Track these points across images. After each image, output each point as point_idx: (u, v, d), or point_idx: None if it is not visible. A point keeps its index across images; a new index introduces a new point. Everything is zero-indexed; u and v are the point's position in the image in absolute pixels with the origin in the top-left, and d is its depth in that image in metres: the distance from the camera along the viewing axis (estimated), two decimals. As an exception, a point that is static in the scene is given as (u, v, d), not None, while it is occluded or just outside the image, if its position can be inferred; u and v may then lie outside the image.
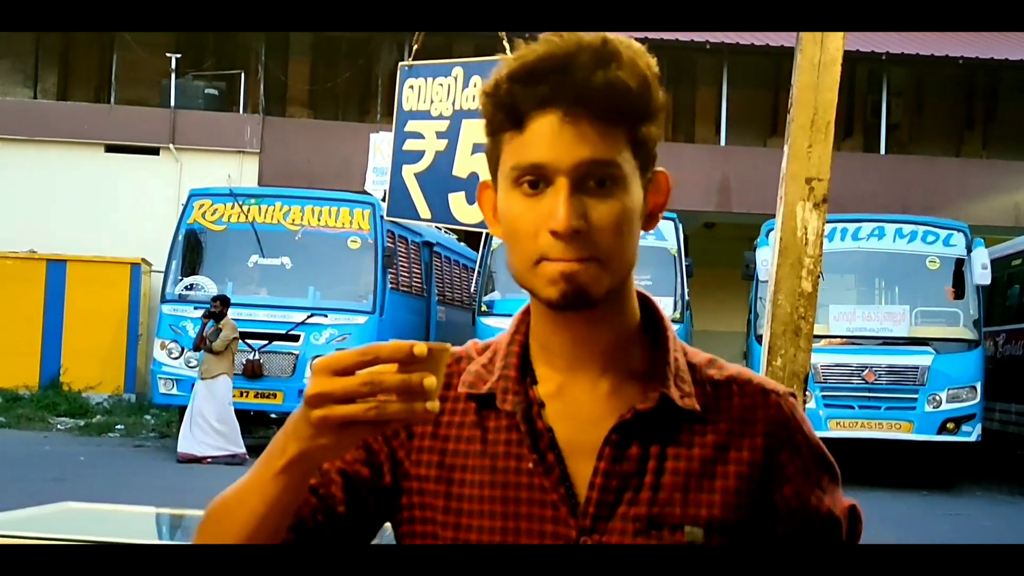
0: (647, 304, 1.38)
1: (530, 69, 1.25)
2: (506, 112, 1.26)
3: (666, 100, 1.31)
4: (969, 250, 14.80)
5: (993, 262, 15.33)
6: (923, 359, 14.41)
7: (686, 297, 15.57)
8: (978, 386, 14.45)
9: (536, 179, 1.25)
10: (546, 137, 1.24)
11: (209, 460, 13.23)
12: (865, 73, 24.79)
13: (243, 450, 13.34)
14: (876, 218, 15.75)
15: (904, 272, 15.18)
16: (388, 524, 1.38)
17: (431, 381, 1.10)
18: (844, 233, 14.94)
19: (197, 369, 13.75)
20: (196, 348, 13.68)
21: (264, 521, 1.21)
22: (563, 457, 1.30)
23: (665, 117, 1.31)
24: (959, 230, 15.10)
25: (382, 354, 1.11)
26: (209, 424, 13.34)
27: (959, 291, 14.81)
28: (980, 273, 14.56)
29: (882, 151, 23.91)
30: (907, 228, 15.21)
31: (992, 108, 27.09)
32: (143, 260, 20.18)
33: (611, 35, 1.29)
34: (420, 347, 1.10)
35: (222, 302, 13.71)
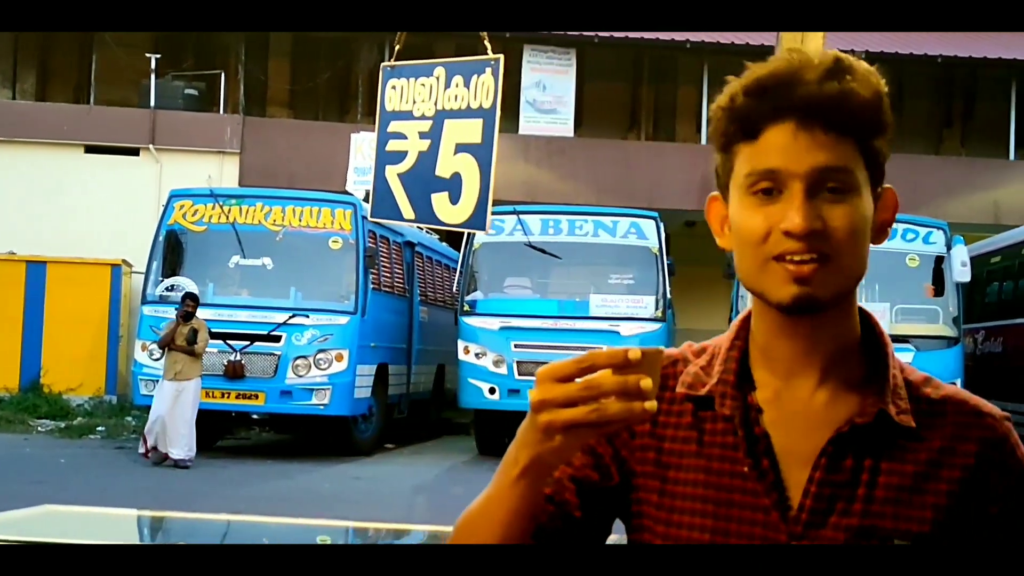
0: (867, 319, 1.40)
1: (763, 82, 1.31)
2: (740, 123, 1.31)
3: (892, 119, 1.36)
4: (949, 248, 14.87)
5: (972, 259, 15.41)
6: (904, 356, 14.36)
7: (668, 296, 15.60)
8: (958, 383, 14.52)
9: (770, 185, 1.29)
10: (780, 145, 1.28)
11: (184, 463, 13.18)
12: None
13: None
14: None
15: (884, 269, 15.23)
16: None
17: (647, 382, 1.16)
18: None
19: (164, 370, 13.53)
20: (165, 347, 13.49)
21: (508, 529, 1.28)
22: (777, 463, 1.34)
23: (892, 136, 1.37)
24: (939, 228, 15.17)
25: (599, 360, 1.17)
26: (186, 427, 13.27)
27: (939, 288, 14.87)
28: (959, 270, 14.63)
29: (862, 149, 23.95)
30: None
31: (970, 106, 27.22)
32: (123, 261, 20.10)
33: (842, 54, 1.35)
34: (634, 352, 1.17)
35: (194, 300, 13.65)
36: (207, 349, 13.65)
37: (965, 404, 1.36)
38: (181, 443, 13.20)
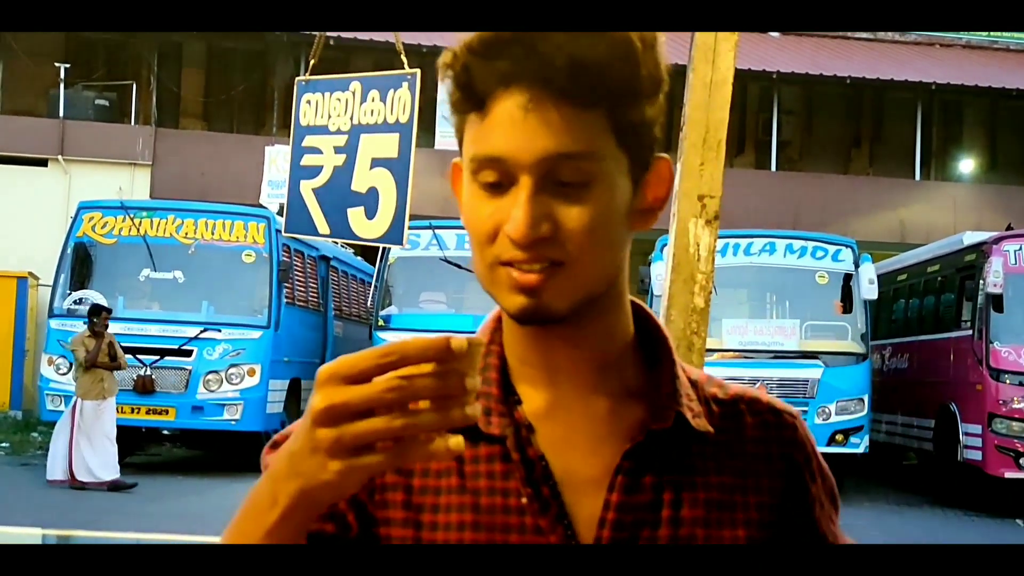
0: (642, 315, 1.20)
1: (490, 41, 1.04)
2: (463, 90, 1.06)
3: (660, 79, 1.09)
4: (857, 265, 15.15)
5: (880, 277, 15.73)
6: (813, 372, 14.71)
7: (582, 311, 15.68)
8: (866, 398, 14.80)
9: (497, 178, 1.06)
10: (508, 123, 1.04)
11: (124, 483, 12.77)
12: (756, 91, 25.27)
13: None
14: (767, 234, 16.05)
15: (794, 287, 15.48)
16: None
17: (473, 382, 0.91)
18: (736, 248, 15.20)
19: (81, 389, 12.95)
20: (92, 366, 12.93)
21: None
22: (559, 491, 1.11)
23: (666, 94, 1.10)
24: (847, 246, 15.46)
25: (410, 352, 0.89)
26: (112, 445, 12.86)
27: (847, 305, 15.14)
28: (867, 288, 14.92)
29: (773, 168, 24.38)
30: (797, 244, 15.52)
31: (878, 127, 27.84)
32: (30, 274, 19.70)
33: None
34: (458, 341, 0.90)
35: (108, 313, 13.21)
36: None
37: (758, 402, 1.21)
38: (111, 462, 12.76)
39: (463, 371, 0.91)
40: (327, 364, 0.90)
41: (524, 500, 1.10)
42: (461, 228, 14.89)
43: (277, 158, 17.80)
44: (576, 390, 1.14)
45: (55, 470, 12.84)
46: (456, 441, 0.91)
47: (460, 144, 1.12)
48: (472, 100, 1.06)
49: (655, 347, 1.19)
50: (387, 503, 1.12)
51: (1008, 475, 13.75)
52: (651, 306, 13.04)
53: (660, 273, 12.79)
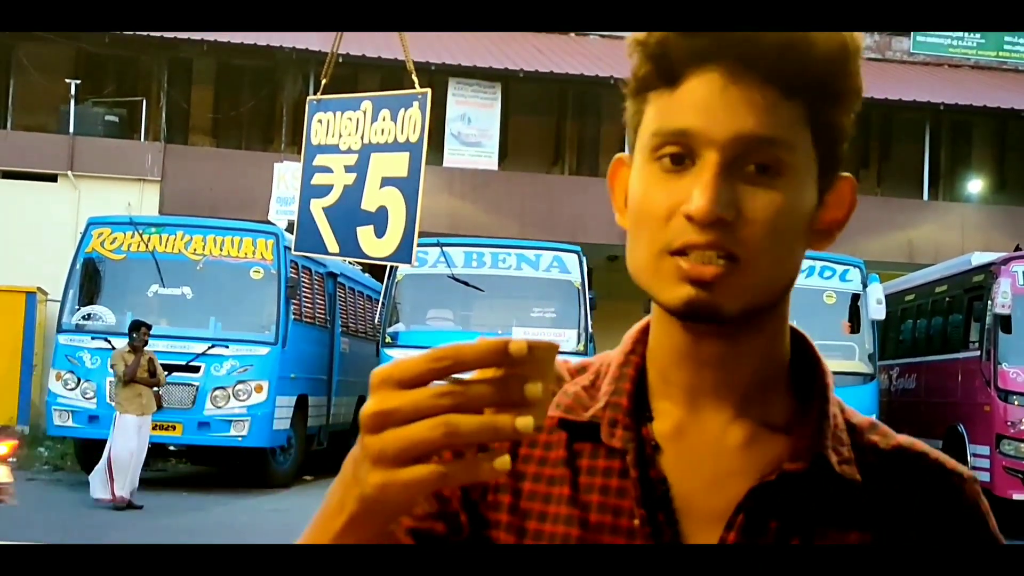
0: (801, 342, 1.10)
1: None
2: (656, 64, 0.98)
3: (861, 91, 1.03)
4: (865, 285, 15.14)
5: (887, 297, 15.71)
6: None
7: (590, 330, 15.68)
8: (874, 418, 14.75)
9: (681, 151, 0.97)
10: (701, 99, 0.96)
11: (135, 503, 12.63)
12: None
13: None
14: None
15: (802, 306, 15.35)
16: None
17: (535, 388, 0.83)
18: None
19: (120, 404, 12.74)
20: (131, 381, 12.80)
21: None
22: (676, 519, 1.02)
23: (858, 109, 1.04)
24: (855, 266, 15.45)
25: (465, 355, 0.83)
26: (140, 464, 12.75)
27: (855, 325, 15.12)
28: (875, 308, 14.90)
29: (781, 187, 24.38)
30: (805, 263, 15.39)
31: (887, 147, 27.83)
32: (39, 289, 19.74)
33: None
34: (518, 344, 0.82)
35: (148, 329, 13.05)
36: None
37: (925, 458, 1.07)
38: (135, 480, 12.67)
39: (526, 377, 0.83)
40: (381, 367, 0.84)
41: (636, 522, 1.01)
42: (469, 246, 14.94)
43: (286, 175, 17.86)
44: (716, 415, 1.04)
45: (96, 488, 12.61)
46: (502, 462, 0.83)
47: (630, 134, 1.03)
48: (664, 74, 0.98)
49: (810, 380, 1.07)
50: (498, 505, 1.05)
51: (1016, 496, 13.70)
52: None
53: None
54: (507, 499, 1.05)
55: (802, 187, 0.99)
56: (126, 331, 14.00)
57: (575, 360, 1.15)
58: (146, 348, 12.93)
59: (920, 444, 1.10)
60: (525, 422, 0.83)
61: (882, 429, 1.11)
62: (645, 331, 1.09)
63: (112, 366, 13.02)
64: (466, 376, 0.84)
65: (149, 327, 13.12)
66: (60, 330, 15.12)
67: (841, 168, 1.05)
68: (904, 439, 1.10)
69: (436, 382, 0.83)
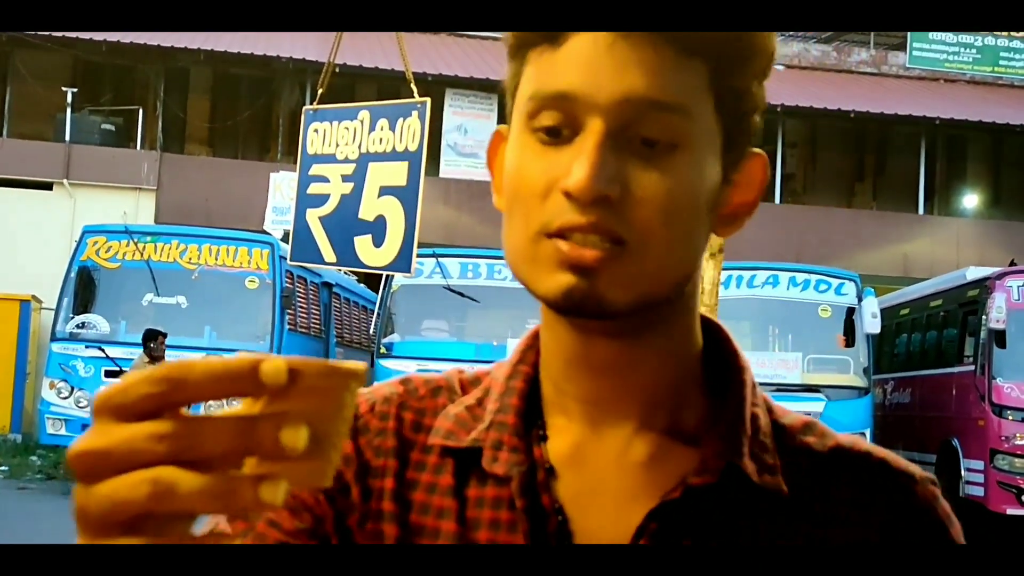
0: (715, 334, 0.95)
1: None
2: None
3: (773, 52, 0.89)
4: (860, 299, 15.15)
5: (882, 311, 15.72)
6: (815, 405, 14.68)
7: (585, 342, 15.67)
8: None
9: (560, 120, 0.83)
10: (585, 57, 0.82)
11: None
12: (761, 124, 25.34)
13: None
14: (770, 266, 16.06)
15: (797, 320, 15.48)
16: None
17: (292, 436, 0.58)
18: (739, 281, 15.21)
19: None
20: None
21: None
22: None
23: (767, 76, 0.90)
24: (850, 279, 15.47)
25: (192, 377, 0.58)
26: None
27: (850, 339, 15.13)
28: (870, 322, 14.91)
29: (777, 200, 24.42)
30: (800, 276, 15.54)
31: (882, 161, 27.91)
32: (33, 297, 19.71)
33: None
34: (273, 366, 0.58)
35: (164, 337, 12.96)
36: None
37: (867, 458, 0.92)
38: None
39: (286, 413, 0.58)
40: (103, 388, 0.59)
41: None
42: (465, 256, 14.95)
43: (282, 184, 17.84)
44: (617, 428, 0.90)
45: None
46: (280, 490, 0.58)
47: (512, 97, 0.89)
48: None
49: (726, 378, 0.93)
50: (379, 534, 0.91)
51: (1010, 512, 13.70)
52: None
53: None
54: (391, 530, 0.91)
55: (702, 162, 0.84)
56: (120, 340, 13.99)
57: (472, 370, 1.00)
58: (165, 357, 12.88)
59: (864, 443, 0.93)
60: (270, 493, 0.58)
61: (819, 429, 0.94)
62: (535, 337, 0.95)
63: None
64: (206, 408, 0.61)
65: (165, 335, 13.03)
66: (54, 338, 15.09)
67: (753, 143, 0.90)
68: (845, 438, 0.93)
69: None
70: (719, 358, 0.94)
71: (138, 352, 13.71)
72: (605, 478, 0.90)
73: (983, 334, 14.29)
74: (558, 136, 0.84)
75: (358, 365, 0.61)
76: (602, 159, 0.81)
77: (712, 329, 0.95)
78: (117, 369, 13.90)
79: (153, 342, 12.76)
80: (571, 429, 0.92)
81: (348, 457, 0.94)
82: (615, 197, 0.81)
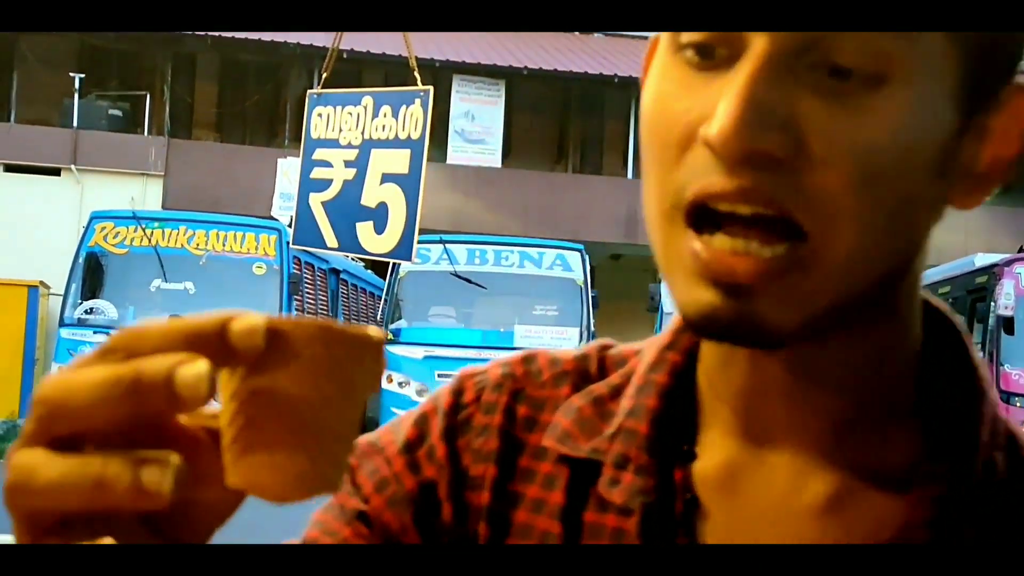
0: (940, 328, 0.68)
1: None
2: None
3: None
4: None
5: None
6: None
7: (592, 328, 15.67)
8: None
9: (712, 38, 0.59)
10: None
11: None
12: None
13: None
14: None
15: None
16: None
17: (155, 474, 0.45)
18: None
19: None
20: None
21: None
22: None
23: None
24: None
25: (152, 343, 0.46)
26: None
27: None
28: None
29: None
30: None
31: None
32: (41, 283, 19.74)
33: None
34: (243, 324, 0.46)
35: None
36: None
37: None
38: None
39: (265, 392, 0.46)
40: (48, 378, 0.47)
41: None
42: (472, 243, 15.01)
43: (289, 170, 17.80)
44: (789, 454, 0.66)
45: None
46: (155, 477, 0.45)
47: None
48: None
49: (951, 393, 0.66)
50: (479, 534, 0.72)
51: (1018, 499, 13.71)
52: (660, 325, 12.99)
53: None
54: (491, 532, 0.71)
55: (925, 101, 0.58)
56: (127, 326, 13.99)
57: (625, 346, 0.75)
58: None
59: None
60: (154, 476, 0.45)
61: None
62: None
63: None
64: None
65: None
66: (62, 324, 15.13)
67: (1013, 74, 0.62)
68: None
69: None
70: (944, 362, 0.66)
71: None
72: (767, 522, 0.65)
73: (991, 321, 14.25)
74: (711, 57, 0.59)
75: (373, 330, 0.48)
76: (762, 94, 0.56)
77: (936, 320, 0.67)
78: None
79: None
80: (726, 447, 0.67)
81: (440, 465, 0.72)
82: (781, 154, 0.56)
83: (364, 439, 0.75)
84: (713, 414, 0.68)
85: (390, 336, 15.41)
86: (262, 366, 0.47)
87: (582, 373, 0.74)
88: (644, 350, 0.73)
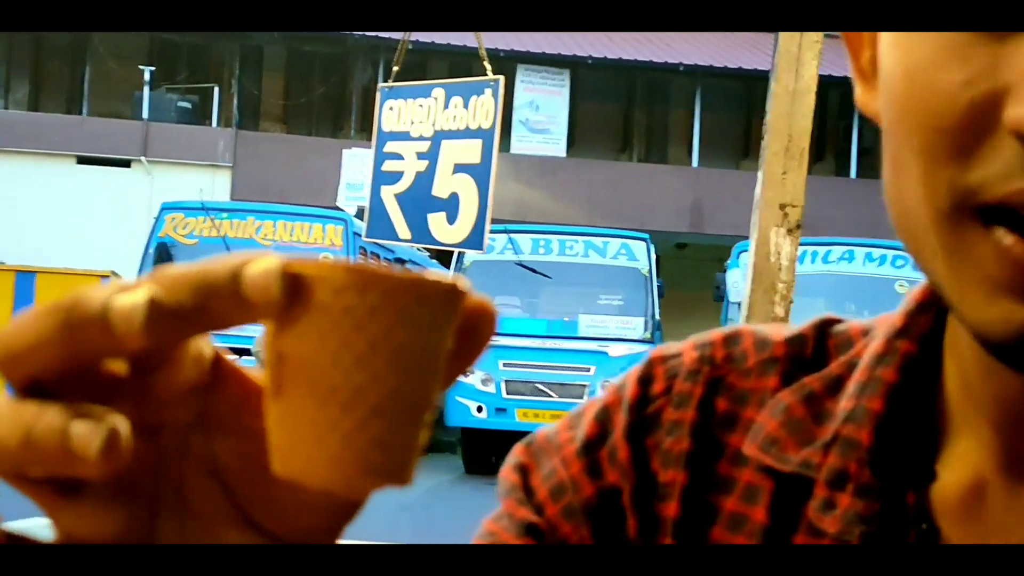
0: None
1: None
2: None
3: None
4: None
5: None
6: None
7: (656, 318, 15.63)
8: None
9: None
10: None
11: None
12: (837, 97, 25.02)
13: None
14: (846, 242, 15.88)
15: (873, 295, 15.30)
16: None
17: (84, 432, 0.37)
18: (814, 256, 15.06)
19: None
20: None
21: None
22: None
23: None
24: None
25: (90, 304, 0.37)
26: None
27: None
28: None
29: (852, 175, 24.11)
30: (877, 252, 15.35)
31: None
32: (112, 272, 20.05)
33: None
34: (257, 269, 0.39)
35: None
36: None
37: None
38: None
39: (285, 357, 0.39)
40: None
41: None
42: (536, 232, 15.01)
43: (354, 161, 17.97)
44: None
45: None
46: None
47: None
48: None
49: None
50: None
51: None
52: (726, 314, 12.89)
53: (736, 280, 12.71)
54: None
55: None
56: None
57: (852, 322, 0.62)
58: None
59: None
60: (83, 431, 0.36)
61: None
62: (932, 297, 0.57)
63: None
64: None
65: None
66: (134, 313, 15.36)
67: None
68: None
69: None
70: None
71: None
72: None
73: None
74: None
75: (441, 275, 0.39)
76: None
77: None
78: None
79: None
80: (976, 466, 0.54)
81: (624, 469, 0.61)
82: None
83: (541, 433, 0.64)
84: (963, 423, 0.54)
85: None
86: (287, 322, 0.38)
87: (795, 359, 0.60)
88: (874, 329, 0.60)
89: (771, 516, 0.57)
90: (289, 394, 0.38)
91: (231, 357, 0.43)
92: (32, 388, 0.38)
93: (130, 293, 0.37)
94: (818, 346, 0.61)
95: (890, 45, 0.49)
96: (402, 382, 0.38)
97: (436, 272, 0.39)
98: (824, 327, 0.62)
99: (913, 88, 0.47)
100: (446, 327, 0.38)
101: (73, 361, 0.38)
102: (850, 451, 0.55)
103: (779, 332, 0.62)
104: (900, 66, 0.48)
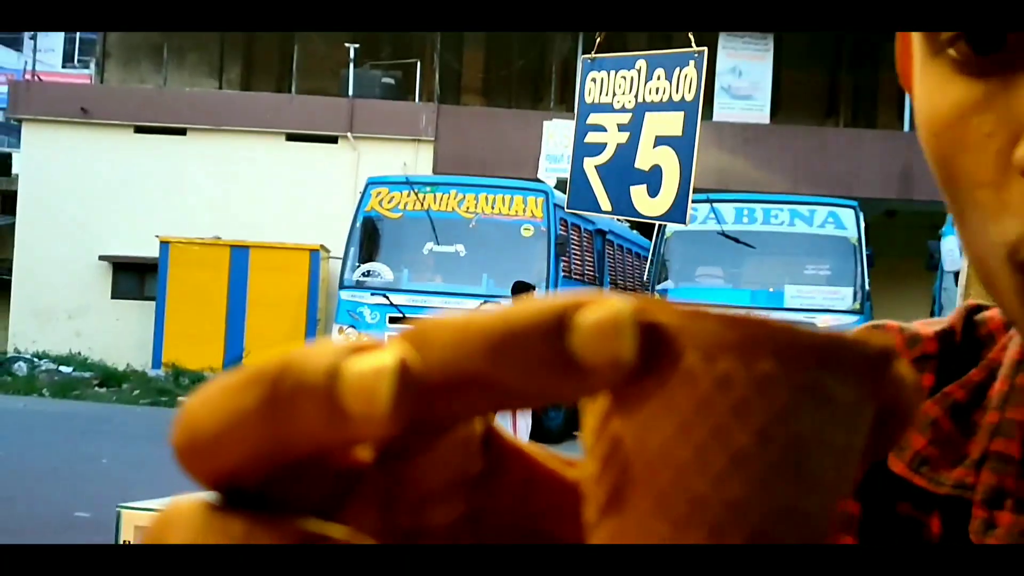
0: None
1: None
2: None
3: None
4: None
5: None
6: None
7: (866, 287, 15.17)
8: None
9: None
10: None
11: None
12: None
13: None
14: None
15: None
16: None
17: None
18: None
19: None
20: None
21: None
22: None
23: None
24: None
25: (436, 348, 0.27)
26: None
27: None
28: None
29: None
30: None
31: None
32: (322, 247, 20.67)
33: None
34: (598, 317, 0.26)
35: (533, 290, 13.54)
36: None
37: None
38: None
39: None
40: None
41: None
42: (739, 201, 14.82)
43: (555, 133, 17.99)
44: None
45: None
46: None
47: None
48: None
49: None
50: None
51: None
52: (940, 283, 12.39)
53: (951, 248, 12.21)
54: None
55: None
56: (402, 288, 14.49)
57: (988, 314, 0.58)
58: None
59: None
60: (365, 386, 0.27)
61: None
62: None
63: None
64: None
65: (534, 287, 13.51)
66: (342, 286, 15.78)
67: None
68: None
69: None
70: None
71: (421, 298, 14.16)
72: None
73: None
74: (983, 53, 0.44)
75: (860, 335, 0.29)
76: None
77: None
78: (400, 316, 14.41)
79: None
80: None
81: None
82: None
83: None
84: None
85: (658, 296, 15.36)
86: (631, 398, 0.27)
87: (949, 358, 0.54)
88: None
89: (908, 524, 0.53)
90: (629, 506, 0.27)
91: (493, 421, 0.31)
92: (229, 488, 0.28)
93: (370, 356, 0.26)
94: (968, 338, 0.56)
95: (918, 97, 0.49)
96: (799, 495, 0.26)
97: (849, 329, 0.29)
98: (970, 316, 0.57)
99: (945, 151, 0.47)
100: (866, 411, 0.27)
101: (281, 451, 0.27)
102: (1004, 467, 0.51)
103: (928, 327, 0.57)
104: (927, 130, 0.48)
